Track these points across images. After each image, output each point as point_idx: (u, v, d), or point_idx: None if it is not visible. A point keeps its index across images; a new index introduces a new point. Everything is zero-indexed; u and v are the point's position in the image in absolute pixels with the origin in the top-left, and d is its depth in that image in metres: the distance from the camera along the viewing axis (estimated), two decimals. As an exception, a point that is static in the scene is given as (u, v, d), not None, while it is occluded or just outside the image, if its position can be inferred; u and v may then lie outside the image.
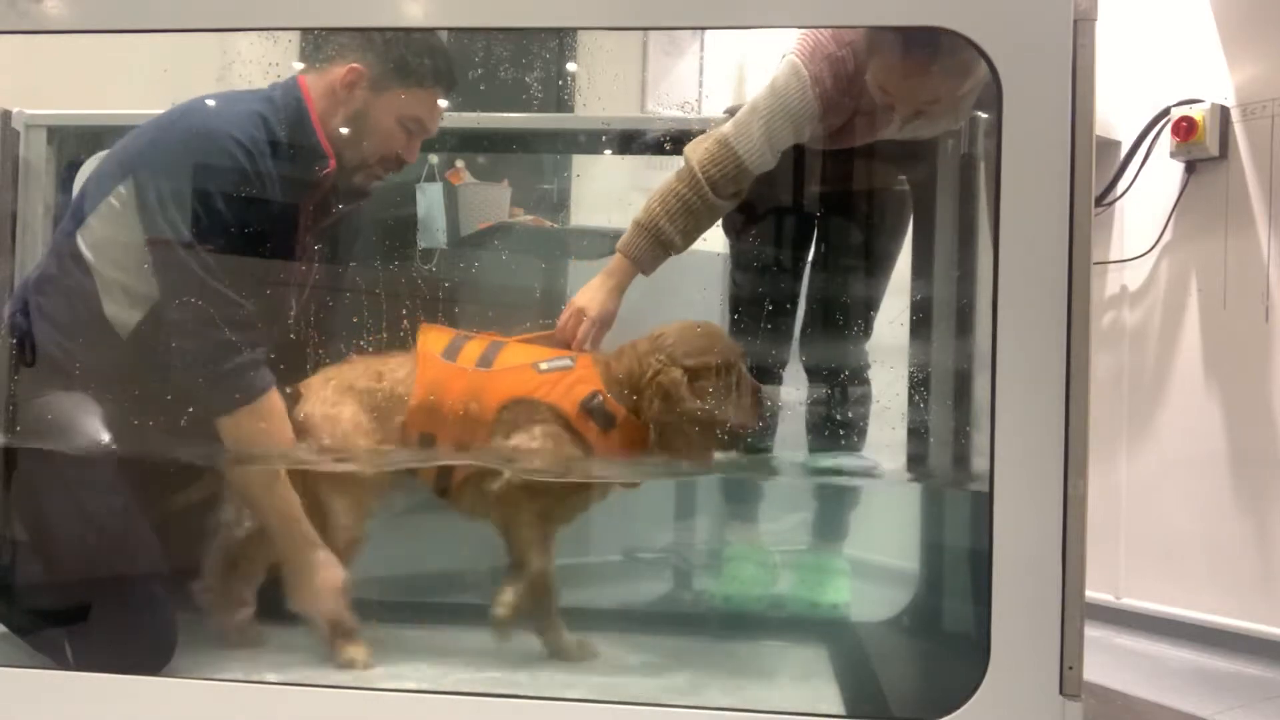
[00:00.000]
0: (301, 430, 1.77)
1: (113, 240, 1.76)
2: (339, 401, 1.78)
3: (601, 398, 1.75)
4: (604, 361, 1.82)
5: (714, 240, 2.11)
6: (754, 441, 1.97)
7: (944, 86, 1.78)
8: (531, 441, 1.73)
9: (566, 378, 1.77)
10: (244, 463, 1.75)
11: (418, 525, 2.04)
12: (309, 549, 1.74)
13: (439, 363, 1.78)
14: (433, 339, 1.82)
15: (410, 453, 1.78)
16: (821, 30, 1.83)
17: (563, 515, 1.85)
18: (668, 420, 1.75)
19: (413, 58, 1.85)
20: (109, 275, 1.77)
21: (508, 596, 1.78)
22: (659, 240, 1.86)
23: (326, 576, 1.74)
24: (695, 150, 1.87)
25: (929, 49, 1.72)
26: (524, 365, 1.79)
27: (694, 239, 1.90)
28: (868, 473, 2.08)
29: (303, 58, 1.90)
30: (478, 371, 1.77)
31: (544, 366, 1.78)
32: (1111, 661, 2.90)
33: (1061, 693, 1.36)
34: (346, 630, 1.73)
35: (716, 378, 1.77)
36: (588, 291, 1.89)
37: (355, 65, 1.84)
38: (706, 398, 1.75)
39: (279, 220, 1.83)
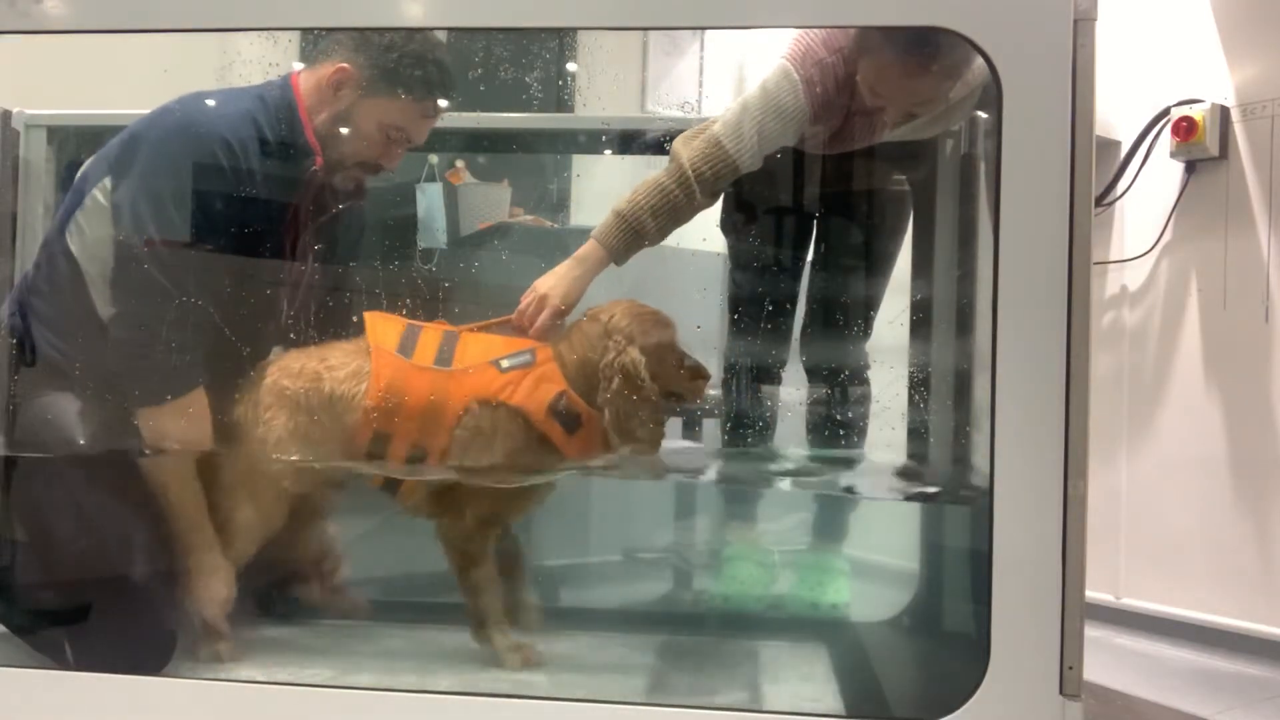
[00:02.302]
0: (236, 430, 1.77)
1: (97, 237, 1.76)
2: (272, 410, 1.74)
3: (566, 399, 1.70)
4: (560, 352, 1.75)
5: (714, 240, 2.10)
6: (754, 442, 1.97)
7: (934, 88, 1.77)
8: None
9: (530, 376, 1.71)
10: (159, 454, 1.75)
11: (412, 525, 2.04)
12: (205, 552, 1.74)
13: (395, 360, 1.72)
14: (384, 332, 1.75)
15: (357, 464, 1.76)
16: (813, 34, 1.82)
17: (510, 514, 1.84)
18: (624, 404, 1.68)
19: (404, 67, 1.83)
20: (95, 273, 1.76)
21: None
22: (638, 233, 1.83)
23: (215, 585, 1.73)
24: (685, 148, 1.85)
25: (918, 51, 1.72)
26: (485, 364, 1.73)
27: (668, 234, 1.87)
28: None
29: (303, 58, 1.90)
30: (438, 371, 1.71)
31: (505, 364, 1.72)
32: (1111, 661, 2.90)
33: (1061, 693, 1.36)
34: (217, 634, 1.72)
35: (668, 355, 1.74)
36: (552, 278, 1.82)
37: (344, 65, 1.83)
38: (660, 376, 1.71)
39: (266, 218, 1.83)
